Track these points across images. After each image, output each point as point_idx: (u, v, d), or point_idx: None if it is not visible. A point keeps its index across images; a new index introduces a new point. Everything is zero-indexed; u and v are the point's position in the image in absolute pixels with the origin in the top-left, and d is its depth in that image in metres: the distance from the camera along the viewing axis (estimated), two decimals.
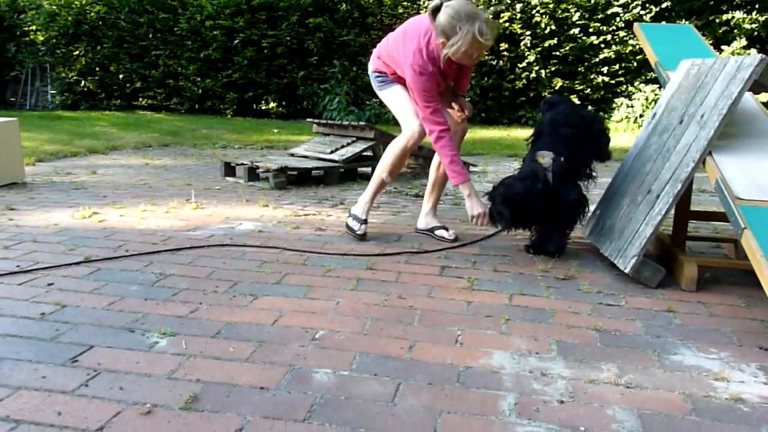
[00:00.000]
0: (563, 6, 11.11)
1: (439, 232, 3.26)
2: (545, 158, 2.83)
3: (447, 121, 3.02)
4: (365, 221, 3.19)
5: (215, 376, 1.65)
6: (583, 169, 2.95)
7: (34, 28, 12.76)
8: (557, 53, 11.10)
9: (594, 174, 3.01)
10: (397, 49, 3.03)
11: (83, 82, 12.78)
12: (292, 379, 1.65)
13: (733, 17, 10.89)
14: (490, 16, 2.79)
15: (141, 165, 5.75)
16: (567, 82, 11.08)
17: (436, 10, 2.78)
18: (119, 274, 2.50)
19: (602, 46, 11.04)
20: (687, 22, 11.00)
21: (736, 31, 10.94)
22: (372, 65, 3.25)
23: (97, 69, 12.64)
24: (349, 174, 5.19)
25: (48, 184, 4.58)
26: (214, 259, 2.74)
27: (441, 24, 2.75)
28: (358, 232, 3.15)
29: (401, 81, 3.11)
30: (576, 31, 11.03)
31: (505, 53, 11.18)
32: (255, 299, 2.25)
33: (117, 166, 5.66)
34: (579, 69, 11.11)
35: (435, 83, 2.94)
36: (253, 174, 4.88)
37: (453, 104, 3.26)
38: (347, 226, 3.21)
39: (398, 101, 3.14)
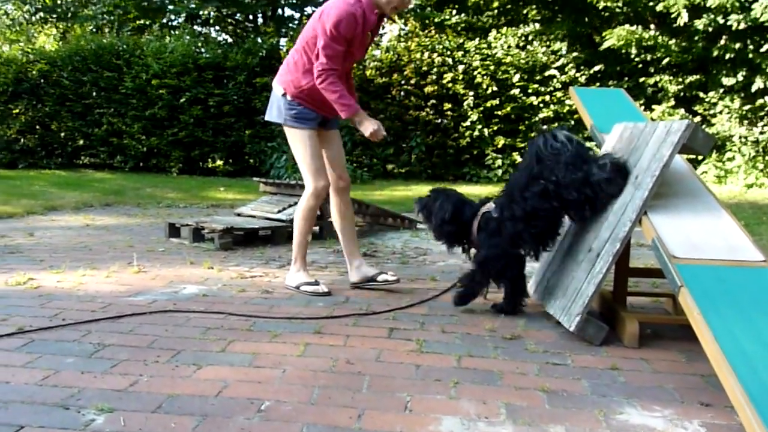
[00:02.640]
0: (503, 68, 11.57)
1: (381, 278, 3.34)
2: (485, 207, 3.02)
3: (333, 66, 3.10)
4: (316, 282, 3.25)
5: None
6: (526, 235, 2.88)
7: None
8: (499, 113, 11.48)
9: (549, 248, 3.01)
10: (313, 29, 3.12)
11: (22, 140, 12.44)
12: None
13: (660, 79, 11.55)
14: None
15: (81, 226, 5.58)
16: (509, 139, 11.43)
17: None
18: (54, 345, 2.39)
19: (541, 105, 11.50)
20: (618, 84, 11.60)
21: (663, 92, 11.60)
22: (284, 87, 3.25)
23: (38, 127, 12.35)
24: None
25: None
26: (157, 327, 2.66)
27: None
28: (322, 290, 3.22)
29: (312, 123, 3.24)
30: (516, 91, 11.47)
31: (449, 113, 11.49)
32: (198, 369, 2.18)
33: (56, 227, 5.48)
34: (520, 127, 11.50)
35: (352, 45, 3.12)
36: (198, 235, 4.80)
37: (332, 167, 3.38)
38: (305, 293, 3.23)
39: (307, 152, 3.22)
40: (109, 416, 1.79)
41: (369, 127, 3.18)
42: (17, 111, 12.25)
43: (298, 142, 3.24)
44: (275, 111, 3.30)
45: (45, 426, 1.72)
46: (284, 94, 3.24)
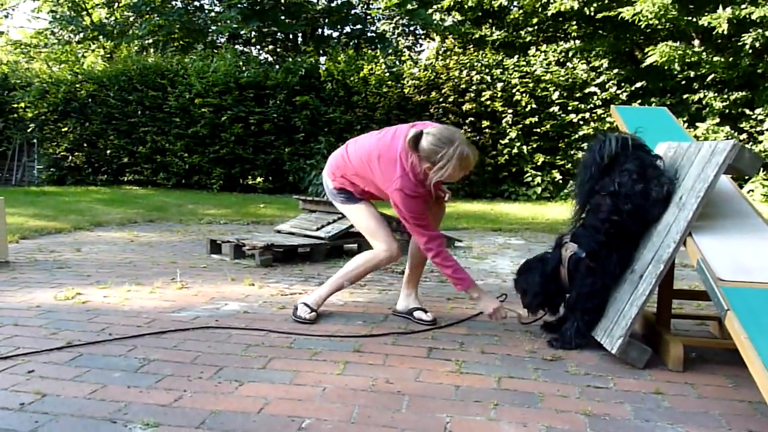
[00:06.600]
0: (542, 85, 11.52)
1: (417, 314, 3.22)
2: (568, 251, 2.84)
3: (438, 232, 3.03)
4: (316, 311, 3.15)
5: None
6: (618, 258, 2.78)
7: (23, 105, 12.93)
8: (538, 130, 11.41)
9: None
10: (371, 171, 3.02)
11: (70, 157, 12.86)
12: None
13: (705, 96, 11.33)
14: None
15: (126, 242, 5.73)
16: (548, 157, 11.35)
17: (416, 139, 2.79)
18: (102, 359, 2.45)
19: (581, 123, 11.39)
20: (661, 100, 11.41)
21: (708, 109, 11.37)
22: (332, 182, 3.19)
23: (85, 145, 12.75)
24: (335, 251, 5.20)
25: (31, 262, 4.54)
26: (199, 343, 2.71)
27: (425, 150, 2.79)
28: (308, 317, 3.09)
29: (365, 197, 3.16)
30: (555, 109, 11.40)
31: (486, 130, 11.47)
32: (240, 385, 2.22)
33: (102, 242, 5.64)
34: (560, 145, 11.41)
35: (425, 203, 2.97)
36: (239, 251, 4.88)
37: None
38: (295, 314, 3.14)
39: (369, 220, 3.14)
40: (155, 431, 1.83)
41: (486, 306, 3.03)
42: (66, 129, 12.69)
43: (359, 216, 3.22)
44: None
45: None
46: (333, 188, 3.23)
